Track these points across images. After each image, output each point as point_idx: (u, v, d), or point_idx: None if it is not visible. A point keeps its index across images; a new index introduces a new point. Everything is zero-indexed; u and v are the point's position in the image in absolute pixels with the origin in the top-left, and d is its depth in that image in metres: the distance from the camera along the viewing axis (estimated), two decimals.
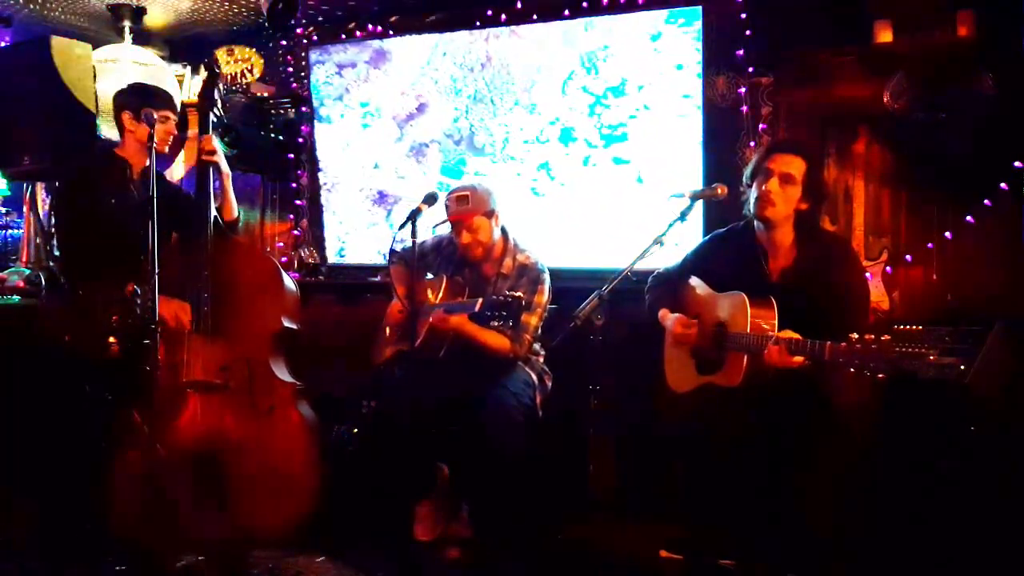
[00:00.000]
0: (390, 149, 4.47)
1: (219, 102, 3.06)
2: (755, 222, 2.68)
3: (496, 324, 2.71)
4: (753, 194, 2.64)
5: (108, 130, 3.89)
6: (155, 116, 2.80)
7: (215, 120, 3.05)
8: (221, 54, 4.93)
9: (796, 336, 2.34)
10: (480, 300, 2.78)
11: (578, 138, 3.97)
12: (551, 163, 4.04)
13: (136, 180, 3.01)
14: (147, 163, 2.98)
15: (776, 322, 2.49)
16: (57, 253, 3.86)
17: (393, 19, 4.44)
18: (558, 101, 4.00)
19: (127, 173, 3.00)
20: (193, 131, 4.26)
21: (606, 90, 3.89)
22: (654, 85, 3.77)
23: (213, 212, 2.94)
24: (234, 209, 3.14)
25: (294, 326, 2.99)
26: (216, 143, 3.00)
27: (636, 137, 3.84)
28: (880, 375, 2.09)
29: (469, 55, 4.23)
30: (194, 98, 4.54)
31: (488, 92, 4.17)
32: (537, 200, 4.06)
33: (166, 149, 3.02)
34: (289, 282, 3.03)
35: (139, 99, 2.98)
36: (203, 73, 3.09)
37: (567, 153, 3.99)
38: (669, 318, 2.81)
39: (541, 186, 4.08)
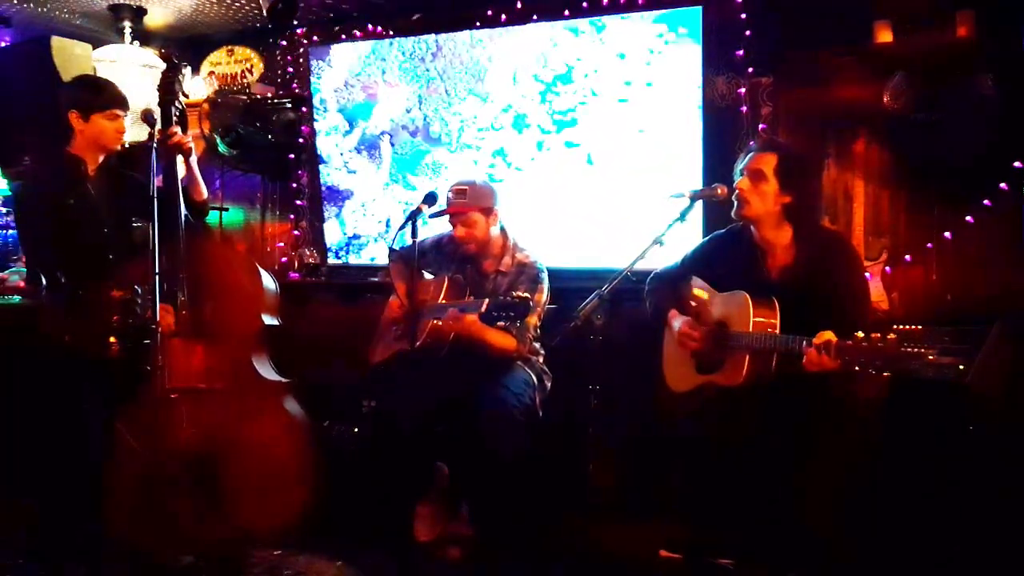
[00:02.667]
0: (338, 143, 4.49)
1: (179, 94, 2.96)
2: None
3: (503, 324, 2.71)
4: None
5: None
6: (155, 117, 2.79)
7: (178, 113, 2.95)
8: (221, 54, 4.94)
9: (832, 338, 2.27)
10: (486, 301, 2.78)
11: (531, 124, 4.04)
12: (506, 149, 4.11)
13: (93, 178, 2.94)
14: (101, 160, 2.95)
15: (778, 321, 2.49)
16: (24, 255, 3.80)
17: (399, 20, 4.45)
18: (510, 89, 4.08)
19: (82, 171, 2.92)
20: (195, 131, 4.26)
21: (555, 78, 3.98)
22: (600, 72, 3.89)
23: (184, 210, 2.85)
24: (204, 190, 3.05)
25: (275, 322, 2.96)
26: (177, 130, 2.88)
27: (585, 122, 3.95)
28: (885, 374, 2.09)
29: (418, 45, 4.27)
30: (196, 98, 4.59)
31: (441, 82, 4.21)
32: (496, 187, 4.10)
33: (118, 146, 2.96)
34: (267, 277, 2.98)
35: (87, 97, 2.91)
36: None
37: (521, 139, 4.08)
38: (677, 319, 2.81)
39: (498, 172, 4.12)
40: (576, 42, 3.92)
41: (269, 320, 2.93)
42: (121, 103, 2.96)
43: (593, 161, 3.94)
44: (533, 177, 4.05)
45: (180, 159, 2.90)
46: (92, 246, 2.84)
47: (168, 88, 2.93)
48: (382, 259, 4.52)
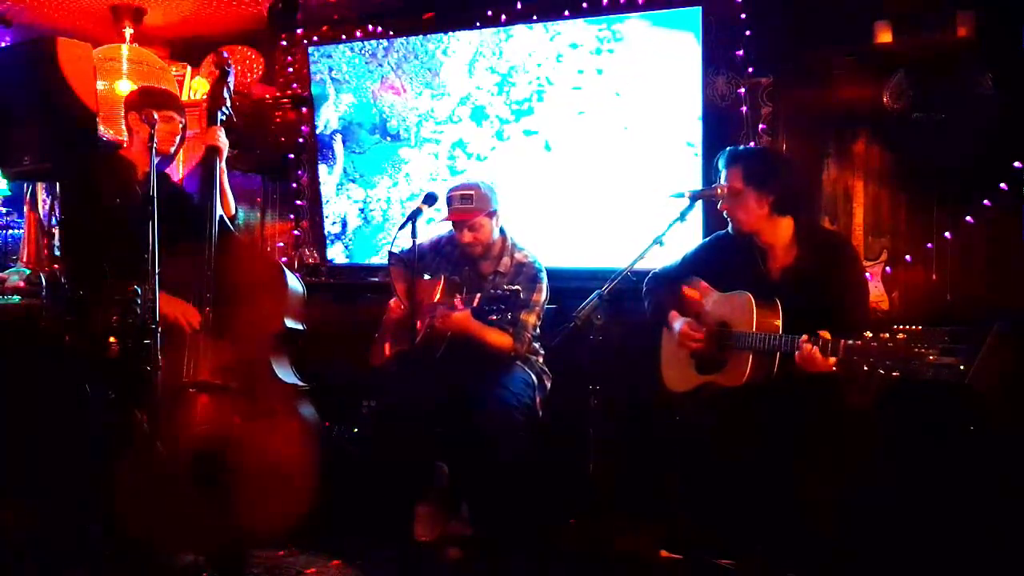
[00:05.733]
0: None
1: (228, 100, 3.08)
2: None
3: (494, 319, 2.71)
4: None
5: (105, 130, 3.91)
6: (156, 116, 2.80)
7: (223, 118, 3.07)
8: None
9: (826, 335, 2.30)
10: (478, 296, 2.78)
11: (490, 115, 4.08)
12: (465, 140, 4.14)
13: (141, 181, 2.98)
14: (149, 166, 2.99)
15: (781, 322, 2.49)
16: (59, 254, 3.87)
17: (399, 20, 4.45)
18: (466, 82, 4.11)
19: (132, 174, 2.99)
20: (195, 131, 4.27)
21: (509, 68, 4.02)
22: (553, 62, 3.94)
23: (220, 211, 2.94)
24: (232, 205, 3.15)
25: (299, 326, 2.98)
26: (221, 135, 3.02)
27: (541, 110, 3.99)
28: (895, 374, 2.09)
29: (368, 40, 4.29)
30: (197, 98, 4.58)
31: (396, 78, 4.22)
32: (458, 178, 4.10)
33: (170, 150, 3.04)
34: (293, 282, 3.01)
35: (144, 101, 3.00)
36: (206, 71, 3.11)
37: (479, 130, 4.11)
38: (677, 320, 2.81)
39: (459, 164, 4.15)
40: (529, 35, 3.99)
41: (292, 324, 2.94)
42: (177, 108, 3.06)
43: (551, 147, 3.97)
44: (495, 166, 4.05)
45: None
46: (130, 246, 2.85)
47: (217, 93, 3.08)
48: (340, 261, 4.56)
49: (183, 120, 3.06)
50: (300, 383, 2.93)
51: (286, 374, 2.91)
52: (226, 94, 3.08)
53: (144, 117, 2.83)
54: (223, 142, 3.03)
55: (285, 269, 3.03)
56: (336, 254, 4.58)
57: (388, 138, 4.32)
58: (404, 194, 4.35)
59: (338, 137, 4.43)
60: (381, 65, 4.27)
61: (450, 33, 4.14)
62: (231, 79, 3.13)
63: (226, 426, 2.75)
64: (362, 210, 4.47)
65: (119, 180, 2.97)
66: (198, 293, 2.82)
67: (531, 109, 4.01)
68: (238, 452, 2.72)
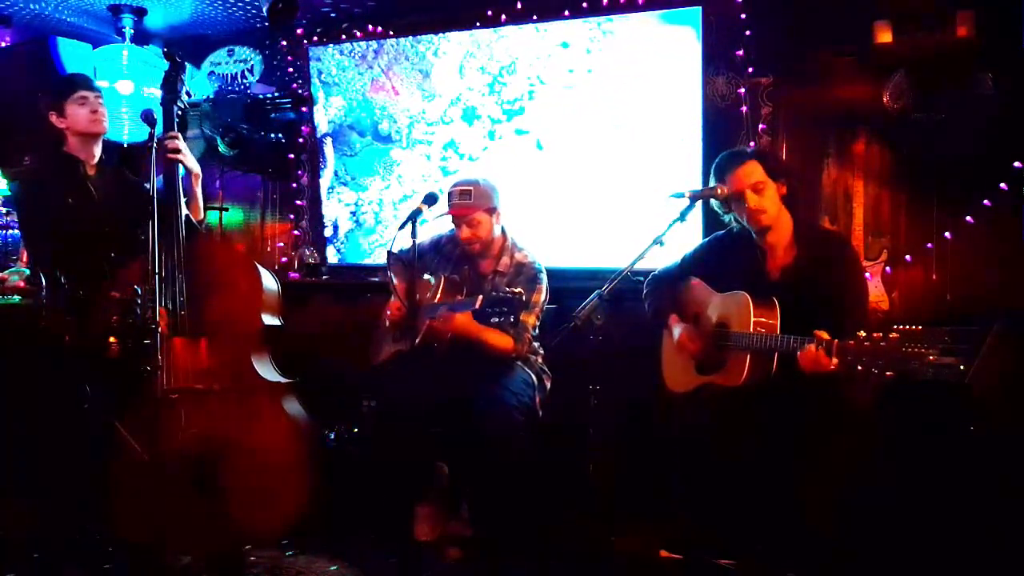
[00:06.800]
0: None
1: (182, 94, 2.96)
2: None
3: (497, 321, 2.71)
4: (742, 217, 2.67)
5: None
6: (155, 118, 2.78)
7: (179, 114, 2.95)
8: (222, 54, 4.94)
9: (823, 335, 2.30)
10: (480, 298, 2.77)
11: (481, 115, 4.09)
12: (457, 141, 4.15)
13: (93, 176, 2.95)
14: (97, 155, 2.96)
15: (778, 321, 2.49)
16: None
17: (399, 20, 4.45)
18: (457, 82, 4.12)
19: (81, 171, 2.94)
20: (194, 131, 4.27)
21: (500, 69, 4.05)
22: (542, 62, 3.97)
23: (184, 211, 2.85)
24: (201, 210, 3.06)
25: (276, 322, 2.95)
26: (181, 142, 2.88)
27: (533, 109, 4.01)
28: (888, 373, 2.09)
29: (357, 43, 4.29)
30: (194, 100, 4.58)
31: (388, 79, 4.23)
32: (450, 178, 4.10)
33: (105, 128, 2.96)
34: (267, 277, 2.96)
35: (55, 96, 2.94)
36: (164, 64, 2.92)
37: (471, 130, 4.13)
38: (677, 326, 2.81)
39: (452, 164, 4.16)
40: (520, 34, 4.01)
41: (269, 320, 2.92)
42: (84, 85, 2.96)
43: (543, 147, 3.99)
44: (487, 166, 4.05)
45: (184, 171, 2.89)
46: (93, 245, 2.84)
47: (171, 88, 2.93)
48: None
49: (95, 93, 2.95)
50: (283, 379, 2.91)
51: (268, 371, 2.89)
52: (179, 88, 2.93)
53: (144, 116, 2.81)
54: (185, 149, 2.88)
55: (257, 264, 2.97)
56: (328, 257, 4.57)
57: (379, 140, 4.32)
58: (396, 196, 4.35)
59: (328, 140, 4.42)
60: (371, 67, 4.28)
61: (441, 34, 4.16)
62: (184, 73, 2.97)
63: (216, 428, 2.73)
64: (353, 213, 4.47)
65: (68, 179, 2.92)
66: (171, 295, 2.72)
67: (522, 109, 4.02)
68: (229, 452, 2.71)
